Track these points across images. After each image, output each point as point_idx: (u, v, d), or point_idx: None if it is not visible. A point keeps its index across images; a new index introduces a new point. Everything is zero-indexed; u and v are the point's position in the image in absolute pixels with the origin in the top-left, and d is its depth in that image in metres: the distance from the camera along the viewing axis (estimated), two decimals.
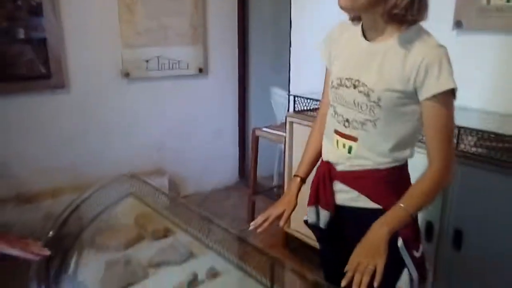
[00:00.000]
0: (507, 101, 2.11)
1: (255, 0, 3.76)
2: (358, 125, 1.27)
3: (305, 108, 2.63)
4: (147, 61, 3.28)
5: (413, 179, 1.36)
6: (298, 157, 2.60)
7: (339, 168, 1.34)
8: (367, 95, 1.22)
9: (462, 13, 2.14)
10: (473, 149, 1.90)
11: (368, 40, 1.25)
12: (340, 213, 1.37)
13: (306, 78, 2.97)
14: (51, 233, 1.49)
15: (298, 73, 3.10)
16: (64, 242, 1.54)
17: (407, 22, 1.18)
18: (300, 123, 2.61)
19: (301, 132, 2.61)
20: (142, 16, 3.20)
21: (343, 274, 1.12)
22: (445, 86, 1.14)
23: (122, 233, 1.67)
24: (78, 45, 3.01)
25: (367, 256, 1.12)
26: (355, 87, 1.25)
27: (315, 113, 2.55)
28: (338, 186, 1.36)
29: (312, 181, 1.45)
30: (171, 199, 1.90)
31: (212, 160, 3.85)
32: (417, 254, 1.33)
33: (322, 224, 1.40)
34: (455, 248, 1.95)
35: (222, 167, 3.94)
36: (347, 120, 1.29)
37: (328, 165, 1.37)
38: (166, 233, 1.68)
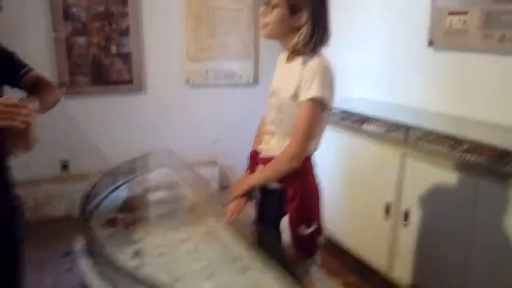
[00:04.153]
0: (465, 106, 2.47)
1: None
2: (274, 123, 1.66)
3: None
4: (207, 71, 4.08)
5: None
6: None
7: (261, 155, 1.72)
8: (278, 100, 1.64)
9: (433, 33, 2.55)
10: (423, 144, 2.32)
11: (286, 62, 1.67)
12: (262, 190, 1.72)
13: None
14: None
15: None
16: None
17: (307, 53, 1.56)
18: None
19: None
20: (205, 36, 4.01)
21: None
22: (310, 95, 1.50)
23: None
24: (154, 59, 3.90)
25: (234, 191, 1.69)
26: (276, 95, 1.67)
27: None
28: (259, 168, 1.72)
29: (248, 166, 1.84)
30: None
31: None
32: (304, 231, 1.62)
33: (255, 197, 1.75)
34: (404, 226, 2.37)
35: None
36: (273, 121, 1.68)
37: (256, 153, 1.78)
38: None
